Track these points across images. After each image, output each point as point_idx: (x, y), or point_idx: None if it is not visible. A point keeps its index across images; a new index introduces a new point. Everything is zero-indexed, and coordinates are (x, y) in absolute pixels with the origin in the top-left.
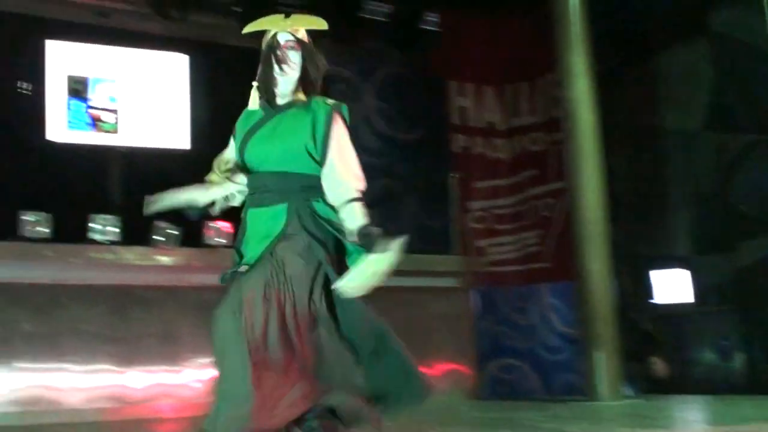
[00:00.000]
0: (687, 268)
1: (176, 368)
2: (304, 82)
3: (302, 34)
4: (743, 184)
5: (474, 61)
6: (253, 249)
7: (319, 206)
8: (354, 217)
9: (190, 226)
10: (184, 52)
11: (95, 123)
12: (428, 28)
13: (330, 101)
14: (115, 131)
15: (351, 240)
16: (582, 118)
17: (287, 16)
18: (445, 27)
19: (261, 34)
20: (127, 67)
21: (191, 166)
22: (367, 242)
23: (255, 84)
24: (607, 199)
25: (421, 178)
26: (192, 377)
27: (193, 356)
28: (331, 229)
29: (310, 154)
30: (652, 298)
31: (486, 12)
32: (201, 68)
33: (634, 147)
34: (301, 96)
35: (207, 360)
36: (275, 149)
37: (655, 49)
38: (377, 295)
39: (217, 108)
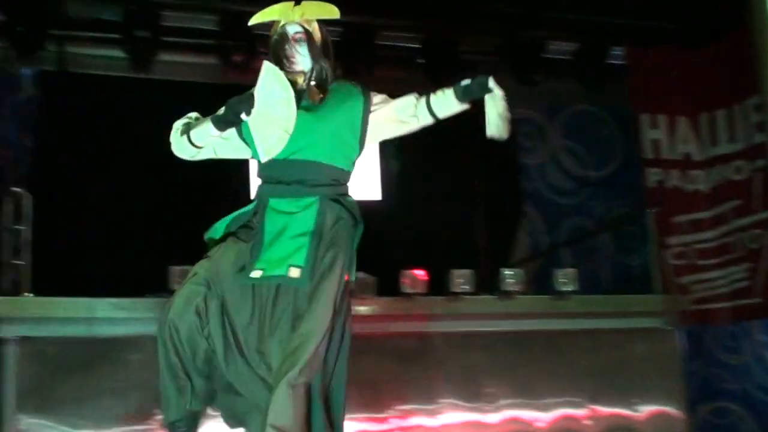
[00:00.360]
0: None
1: (379, 415)
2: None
3: (314, 26)
4: None
5: (665, 92)
6: (275, 251)
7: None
8: (443, 92)
9: (386, 275)
10: None
11: None
12: (615, 62)
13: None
14: None
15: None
16: None
17: (297, 2)
18: (633, 60)
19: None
20: None
21: (382, 216)
22: (471, 89)
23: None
24: None
25: (615, 215)
26: (395, 425)
27: (395, 403)
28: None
29: (347, 142)
30: None
31: (675, 41)
32: None
33: None
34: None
35: (409, 406)
36: (314, 138)
37: None
38: (578, 338)
39: (406, 159)
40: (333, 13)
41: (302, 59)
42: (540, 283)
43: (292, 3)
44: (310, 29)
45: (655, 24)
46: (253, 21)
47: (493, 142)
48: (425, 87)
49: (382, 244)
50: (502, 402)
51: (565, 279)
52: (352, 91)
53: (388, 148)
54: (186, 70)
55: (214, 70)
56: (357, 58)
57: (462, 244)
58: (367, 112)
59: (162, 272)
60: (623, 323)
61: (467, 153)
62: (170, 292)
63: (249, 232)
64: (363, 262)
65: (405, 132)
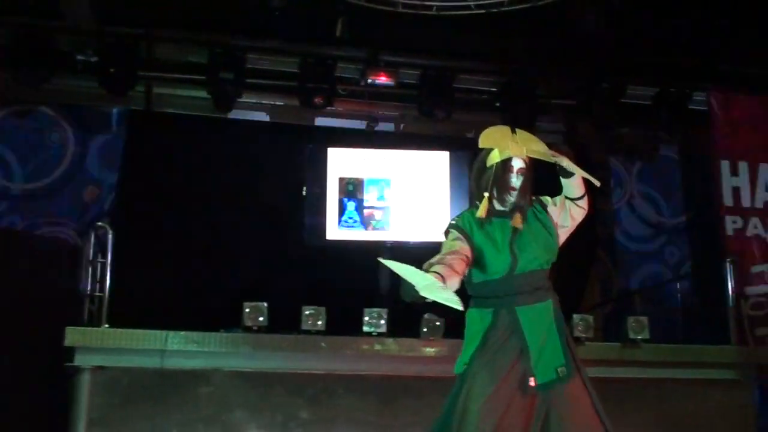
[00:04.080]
0: None
1: None
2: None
3: (529, 160)
4: None
5: (747, 138)
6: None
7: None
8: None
9: (453, 317)
10: (445, 149)
11: (368, 221)
12: (695, 107)
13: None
14: (384, 228)
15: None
16: None
17: (513, 131)
18: (716, 105)
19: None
20: (395, 167)
21: None
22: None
23: (486, 195)
24: None
25: (692, 263)
26: None
27: None
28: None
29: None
30: None
31: (756, 87)
32: (459, 163)
33: None
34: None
35: None
36: (536, 250)
37: None
38: (648, 387)
39: (473, 202)
40: (549, 157)
41: (517, 191)
42: (610, 331)
43: (509, 131)
44: (529, 164)
45: (739, 69)
46: (483, 145)
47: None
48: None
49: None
50: None
51: (636, 326)
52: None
53: (457, 189)
54: (267, 110)
55: (295, 110)
56: (435, 101)
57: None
58: (549, 215)
59: (236, 308)
60: (695, 374)
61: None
62: (244, 328)
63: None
64: (431, 304)
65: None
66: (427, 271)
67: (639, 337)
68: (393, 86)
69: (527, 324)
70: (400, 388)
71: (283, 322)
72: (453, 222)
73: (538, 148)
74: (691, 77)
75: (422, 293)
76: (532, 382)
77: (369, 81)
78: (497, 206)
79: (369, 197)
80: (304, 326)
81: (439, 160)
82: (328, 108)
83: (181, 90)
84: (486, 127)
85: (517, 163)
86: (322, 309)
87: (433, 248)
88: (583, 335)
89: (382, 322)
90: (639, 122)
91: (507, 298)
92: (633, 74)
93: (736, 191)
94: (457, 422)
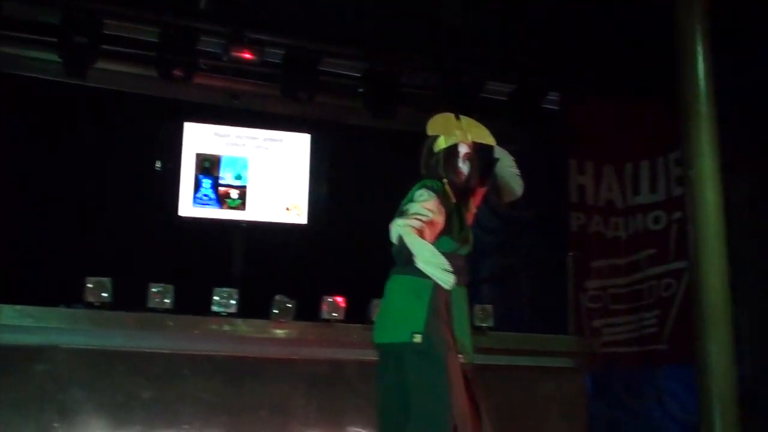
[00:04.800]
0: None
1: None
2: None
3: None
4: None
5: (595, 139)
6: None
7: None
8: None
9: (306, 300)
10: (307, 132)
11: (223, 199)
12: (549, 107)
13: None
14: (240, 207)
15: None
16: (706, 197)
17: (457, 117)
18: (567, 106)
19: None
20: (254, 147)
21: (307, 240)
22: None
23: (445, 181)
24: (731, 281)
25: (538, 256)
26: None
27: (303, 428)
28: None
29: None
30: None
31: (608, 92)
32: (321, 146)
33: (762, 227)
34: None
35: None
36: (471, 237)
37: None
38: (490, 374)
39: (334, 185)
40: (492, 141)
41: (465, 176)
42: None
43: (454, 117)
44: (474, 149)
45: (590, 74)
46: (432, 132)
47: (416, 180)
48: (363, 117)
49: (305, 268)
50: None
51: (482, 314)
52: None
53: (317, 173)
54: (124, 80)
55: (153, 82)
56: (298, 82)
57: (385, 274)
58: None
59: (80, 283)
60: (536, 361)
61: (395, 183)
62: (86, 304)
63: None
64: (284, 286)
65: None
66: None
67: (484, 325)
68: (256, 64)
69: (457, 303)
70: (247, 370)
71: (129, 299)
72: (431, 186)
73: (482, 134)
74: (545, 77)
75: (419, 264)
76: (465, 359)
77: (232, 57)
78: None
79: (226, 175)
80: (151, 304)
81: (300, 142)
82: (188, 81)
83: (30, 51)
84: (349, 112)
85: (463, 149)
86: (170, 287)
87: (289, 230)
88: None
89: (233, 302)
90: (496, 117)
91: None
92: (492, 70)
93: (581, 189)
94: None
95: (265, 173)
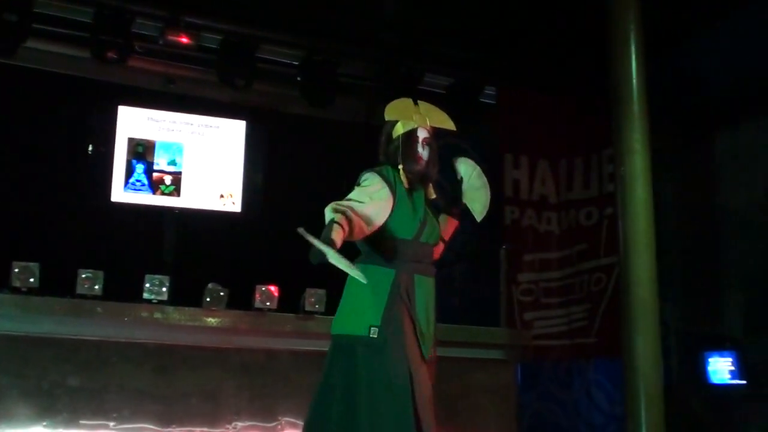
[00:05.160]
0: (740, 350)
1: (217, 430)
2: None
3: (432, 131)
4: None
5: (530, 134)
6: (425, 323)
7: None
8: None
9: (239, 288)
10: (243, 119)
11: (156, 185)
12: (486, 101)
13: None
14: (174, 194)
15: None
16: (636, 194)
17: (415, 102)
18: (503, 100)
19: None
20: (190, 132)
21: (241, 228)
22: None
23: (401, 167)
24: (658, 277)
25: (471, 248)
26: None
27: (234, 417)
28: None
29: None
30: (702, 379)
31: (544, 87)
32: (257, 134)
33: (689, 225)
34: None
35: (248, 423)
36: (435, 226)
37: (713, 127)
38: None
39: (269, 174)
40: (452, 125)
41: (425, 161)
42: None
43: (412, 103)
44: (432, 135)
45: (527, 68)
46: (389, 117)
47: (360, 169)
48: (301, 106)
49: (239, 256)
50: None
51: None
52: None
53: (252, 161)
54: (56, 61)
55: (86, 63)
56: (235, 68)
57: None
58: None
59: (6, 268)
60: (466, 353)
61: (332, 175)
62: (12, 289)
63: None
64: (217, 274)
65: None
66: (335, 211)
67: None
68: (193, 48)
69: (420, 293)
70: (178, 358)
71: (58, 285)
72: (379, 170)
73: (441, 118)
74: (483, 71)
75: (330, 260)
76: (432, 352)
77: (168, 40)
78: (408, 177)
79: (159, 161)
80: (80, 290)
81: (236, 128)
82: (122, 64)
83: None
84: (287, 100)
85: (422, 134)
86: (100, 273)
87: (223, 218)
88: None
89: (164, 289)
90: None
91: (409, 263)
92: (430, 62)
93: (516, 183)
94: (379, 396)
95: (199, 160)
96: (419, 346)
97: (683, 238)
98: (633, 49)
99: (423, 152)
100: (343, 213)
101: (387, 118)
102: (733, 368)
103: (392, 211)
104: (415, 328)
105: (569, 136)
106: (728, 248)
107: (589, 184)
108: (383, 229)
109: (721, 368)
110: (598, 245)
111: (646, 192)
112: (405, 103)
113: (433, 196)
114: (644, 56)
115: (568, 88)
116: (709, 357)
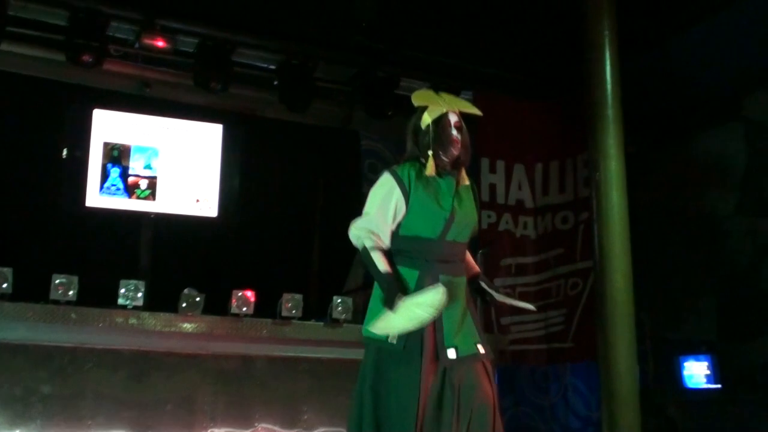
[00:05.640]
0: (715, 354)
1: None
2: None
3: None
4: None
5: (506, 139)
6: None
7: None
8: None
9: (215, 293)
10: (219, 122)
11: (132, 190)
12: None
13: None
14: (149, 198)
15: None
16: (611, 199)
17: (437, 92)
18: (479, 105)
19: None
20: (165, 136)
21: (217, 234)
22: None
23: (430, 153)
24: (634, 281)
25: None
26: None
27: (210, 424)
28: None
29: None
30: (677, 383)
31: (519, 93)
32: (234, 138)
33: (664, 229)
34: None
35: (224, 429)
36: (468, 222)
37: (687, 132)
38: None
39: (246, 179)
40: (477, 111)
41: (460, 143)
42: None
43: (434, 92)
44: (461, 119)
45: (503, 73)
46: (417, 103)
47: (338, 174)
48: (278, 110)
49: (215, 261)
50: (320, 429)
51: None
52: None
53: (228, 165)
54: (30, 64)
55: (61, 67)
56: (211, 72)
57: (296, 269)
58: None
59: None
60: None
61: (309, 181)
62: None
63: None
64: (194, 279)
65: None
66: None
67: (343, 317)
68: (169, 52)
69: (452, 296)
70: (153, 364)
71: (31, 290)
72: (393, 169)
73: (464, 104)
74: (459, 76)
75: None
76: (452, 354)
77: (143, 44)
78: (441, 163)
79: (135, 165)
80: (53, 296)
81: (212, 132)
82: (98, 67)
83: None
84: (263, 104)
85: (453, 117)
86: (75, 278)
87: (200, 222)
88: (342, 317)
89: (139, 295)
90: (411, 114)
91: (434, 264)
92: (407, 67)
93: (492, 188)
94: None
95: (176, 164)
96: (435, 354)
97: (658, 242)
98: (608, 54)
99: (457, 135)
100: (374, 241)
101: (415, 103)
102: (708, 372)
103: (408, 210)
104: (435, 336)
105: (545, 140)
106: (703, 252)
107: (564, 189)
108: (404, 229)
109: (696, 372)
110: (574, 249)
111: (621, 196)
112: (428, 92)
113: (467, 182)
114: (619, 61)
115: (543, 92)
116: (685, 361)
